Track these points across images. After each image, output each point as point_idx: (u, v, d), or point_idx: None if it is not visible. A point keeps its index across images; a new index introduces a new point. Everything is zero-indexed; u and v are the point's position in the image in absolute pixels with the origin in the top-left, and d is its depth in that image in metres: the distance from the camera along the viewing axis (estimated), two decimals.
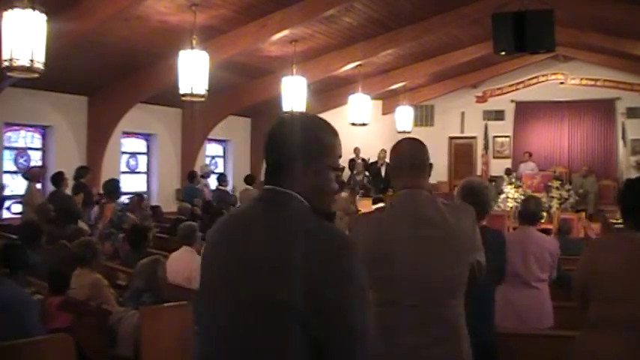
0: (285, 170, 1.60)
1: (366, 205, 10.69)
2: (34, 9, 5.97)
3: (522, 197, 12.15)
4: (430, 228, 2.29)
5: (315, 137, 1.63)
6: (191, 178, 11.23)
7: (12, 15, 5.94)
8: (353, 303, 1.49)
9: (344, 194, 10.42)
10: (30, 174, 9.15)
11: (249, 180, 10.93)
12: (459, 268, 2.30)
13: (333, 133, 1.67)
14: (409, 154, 2.44)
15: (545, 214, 11.94)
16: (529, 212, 4.41)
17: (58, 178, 8.56)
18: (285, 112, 1.80)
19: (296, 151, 1.60)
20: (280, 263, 1.49)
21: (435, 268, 2.25)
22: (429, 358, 2.23)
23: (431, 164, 2.46)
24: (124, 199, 9.89)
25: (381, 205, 9.91)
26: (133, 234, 6.23)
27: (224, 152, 15.73)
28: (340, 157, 1.69)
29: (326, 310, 1.46)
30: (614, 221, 9.89)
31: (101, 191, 8.67)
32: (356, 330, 1.49)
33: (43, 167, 10.39)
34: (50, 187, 9.04)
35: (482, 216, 3.42)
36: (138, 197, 9.62)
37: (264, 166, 1.69)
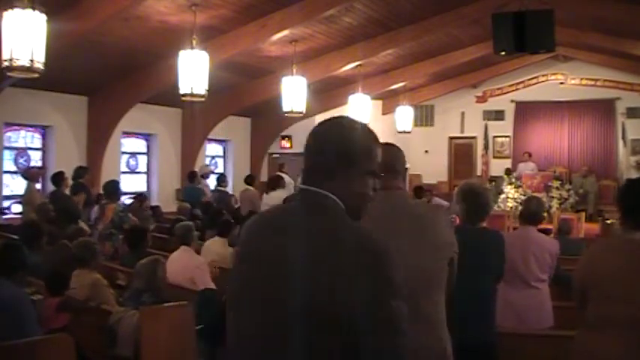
0: (323, 172, 1.60)
1: None
2: (34, 9, 5.96)
3: (522, 197, 12.18)
4: (405, 223, 2.31)
5: (357, 142, 1.63)
6: (191, 178, 11.23)
7: (12, 15, 5.94)
8: (395, 311, 1.48)
9: None
10: (29, 174, 9.14)
11: (249, 180, 10.92)
12: (437, 262, 2.32)
13: (375, 141, 1.67)
14: (382, 161, 2.49)
15: (545, 214, 11.93)
16: (530, 212, 4.41)
17: (58, 178, 8.55)
18: (332, 117, 1.80)
19: (337, 153, 1.60)
20: (322, 270, 1.47)
21: (415, 262, 2.26)
22: (427, 357, 2.23)
23: (406, 168, 2.52)
24: (125, 199, 9.89)
25: None
26: (132, 235, 6.24)
27: (224, 152, 15.74)
28: (380, 165, 1.68)
29: (369, 319, 1.45)
30: (614, 221, 9.89)
31: (101, 192, 8.66)
32: (397, 339, 1.48)
33: (43, 168, 10.38)
34: (50, 187, 9.04)
35: (482, 218, 3.43)
36: (140, 198, 9.61)
37: (303, 167, 1.67)
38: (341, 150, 1.60)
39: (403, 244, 2.26)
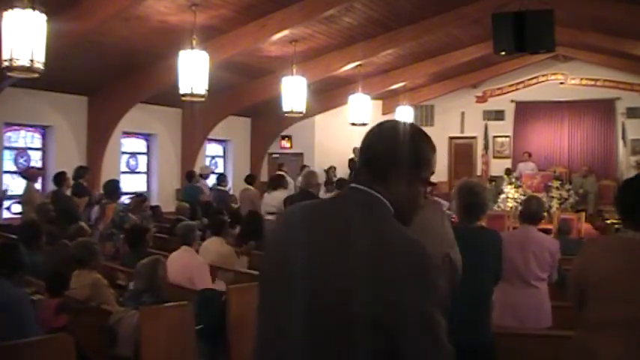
0: (380, 174, 1.57)
1: None
2: (34, 9, 5.97)
3: (522, 197, 12.18)
4: None
5: (418, 148, 1.61)
6: (189, 177, 11.24)
7: (12, 15, 5.94)
8: (437, 316, 1.46)
9: None
10: (28, 174, 9.14)
11: (249, 180, 10.92)
12: None
13: (433, 149, 1.67)
14: None
15: (545, 214, 11.94)
16: (531, 212, 4.41)
17: (61, 178, 8.55)
18: (391, 120, 1.78)
19: (397, 157, 1.58)
20: (371, 273, 1.44)
21: None
22: None
23: None
24: (125, 199, 9.88)
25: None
26: (132, 234, 6.24)
27: (224, 152, 15.74)
28: (433, 173, 1.67)
29: (414, 324, 1.43)
30: (614, 221, 9.89)
31: (101, 191, 8.66)
32: (438, 342, 1.47)
33: (42, 169, 10.38)
34: (50, 187, 9.03)
35: (479, 217, 3.44)
36: (141, 198, 9.60)
37: (356, 165, 1.67)
38: (398, 153, 1.58)
39: None
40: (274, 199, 8.93)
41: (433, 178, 1.69)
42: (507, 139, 17.01)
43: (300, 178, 12.21)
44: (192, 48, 8.42)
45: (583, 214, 11.55)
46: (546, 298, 4.18)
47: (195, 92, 8.52)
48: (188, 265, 5.41)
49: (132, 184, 12.87)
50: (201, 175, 11.69)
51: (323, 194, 9.88)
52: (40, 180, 9.89)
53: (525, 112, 16.77)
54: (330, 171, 14.45)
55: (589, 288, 2.54)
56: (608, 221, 10.33)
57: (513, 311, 3.99)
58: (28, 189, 8.75)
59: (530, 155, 15.34)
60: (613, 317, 2.43)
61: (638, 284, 2.43)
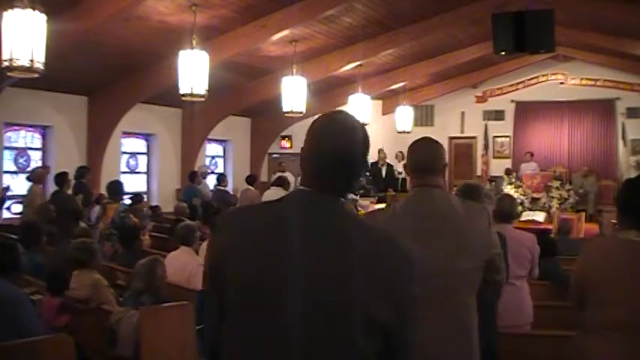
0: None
1: (366, 206, 10.80)
2: (34, 9, 5.97)
3: (523, 197, 12.19)
4: (441, 222, 2.30)
5: (365, 144, 1.64)
6: (192, 178, 11.24)
7: (12, 15, 5.94)
8: (414, 316, 1.52)
9: None
10: (35, 175, 9.12)
11: (250, 180, 10.94)
12: (469, 264, 2.29)
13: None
14: (423, 156, 2.47)
15: (545, 213, 11.95)
16: (504, 211, 4.39)
17: (62, 179, 8.55)
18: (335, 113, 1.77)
19: (358, 156, 1.61)
20: (363, 274, 1.44)
21: (443, 262, 2.25)
22: (437, 355, 2.22)
23: (445, 164, 2.52)
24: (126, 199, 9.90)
25: (384, 205, 10.00)
26: (124, 234, 6.24)
27: (224, 152, 15.74)
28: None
29: (402, 325, 1.48)
30: (614, 221, 9.86)
31: (102, 192, 8.66)
32: (412, 342, 1.53)
33: (46, 167, 10.40)
34: (51, 188, 9.03)
35: None
36: (138, 198, 9.61)
37: (313, 168, 1.63)
38: (358, 152, 1.59)
39: (432, 243, 2.26)
40: (272, 197, 8.97)
41: None
42: (507, 139, 17.00)
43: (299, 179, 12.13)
44: (192, 48, 8.41)
45: (583, 214, 11.54)
46: (527, 296, 4.19)
47: (195, 92, 8.51)
48: (186, 265, 5.41)
49: (132, 184, 12.87)
50: (202, 176, 11.70)
51: None
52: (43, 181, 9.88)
53: (525, 112, 16.76)
54: None
55: (591, 289, 2.52)
56: (613, 220, 10.30)
57: None
58: (31, 190, 8.75)
59: (532, 155, 15.34)
60: (615, 319, 2.42)
61: (639, 286, 2.42)
